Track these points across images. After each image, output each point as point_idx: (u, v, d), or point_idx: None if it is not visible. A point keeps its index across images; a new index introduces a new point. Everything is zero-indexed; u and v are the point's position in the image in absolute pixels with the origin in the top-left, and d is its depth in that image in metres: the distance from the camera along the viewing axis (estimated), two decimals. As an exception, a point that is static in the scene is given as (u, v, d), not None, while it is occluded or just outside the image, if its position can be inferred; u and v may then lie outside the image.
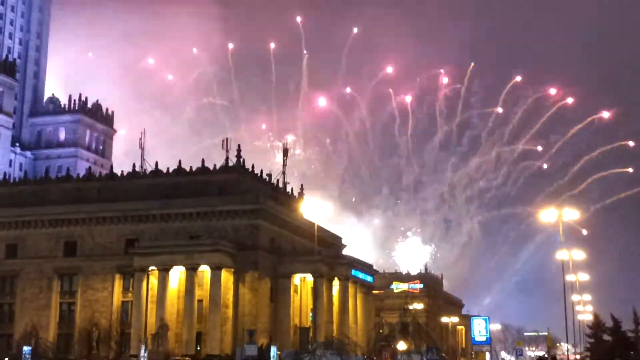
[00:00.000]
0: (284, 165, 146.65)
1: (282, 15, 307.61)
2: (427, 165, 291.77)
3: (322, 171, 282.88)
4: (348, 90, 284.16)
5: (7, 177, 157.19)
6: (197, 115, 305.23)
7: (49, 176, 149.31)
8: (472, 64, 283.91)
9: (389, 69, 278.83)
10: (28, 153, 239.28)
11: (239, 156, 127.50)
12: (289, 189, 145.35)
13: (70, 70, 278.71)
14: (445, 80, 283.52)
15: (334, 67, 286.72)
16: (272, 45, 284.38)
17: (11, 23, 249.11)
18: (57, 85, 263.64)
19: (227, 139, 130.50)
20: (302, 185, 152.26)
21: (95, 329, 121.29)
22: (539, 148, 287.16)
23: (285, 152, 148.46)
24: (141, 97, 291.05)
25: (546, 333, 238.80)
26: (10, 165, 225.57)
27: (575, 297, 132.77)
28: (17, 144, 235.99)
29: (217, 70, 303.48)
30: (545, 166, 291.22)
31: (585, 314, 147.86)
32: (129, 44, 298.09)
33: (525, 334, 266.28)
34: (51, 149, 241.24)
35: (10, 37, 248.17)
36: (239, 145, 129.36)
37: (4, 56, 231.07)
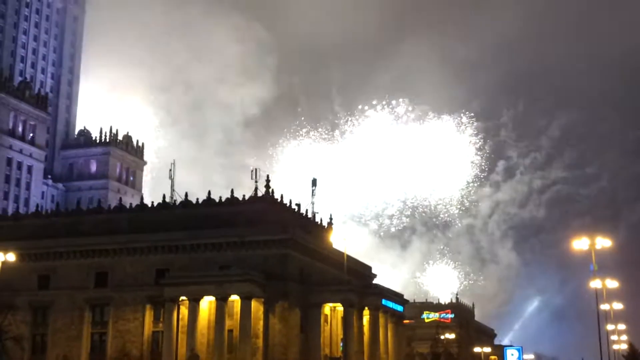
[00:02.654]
0: (313, 195, 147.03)
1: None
2: (458, 197, 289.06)
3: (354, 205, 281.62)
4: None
5: (39, 208, 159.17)
6: (227, 142, 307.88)
7: (81, 208, 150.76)
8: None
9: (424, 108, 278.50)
10: (60, 185, 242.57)
11: (267, 186, 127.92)
12: (318, 219, 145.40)
13: (102, 101, 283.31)
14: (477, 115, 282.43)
15: (369, 103, 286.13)
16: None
17: (44, 58, 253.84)
18: (88, 117, 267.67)
19: (256, 170, 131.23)
20: (331, 215, 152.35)
21: (126, 359, 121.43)
22: (573, 175, 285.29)
23: (314, 181, 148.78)
24: (173, 123, 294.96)
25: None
26: (42, 197, 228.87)
27: (609, 327, 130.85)
28: (50, 176, 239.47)
29: (252, 97, 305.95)
30: (579, 193, 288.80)
31: (620, 343, 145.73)
32: (164, 68, 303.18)
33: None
34: (82, 180, 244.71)
35: (42, 72, 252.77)
36: (267, 176, 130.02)
37: (36, 90, 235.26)
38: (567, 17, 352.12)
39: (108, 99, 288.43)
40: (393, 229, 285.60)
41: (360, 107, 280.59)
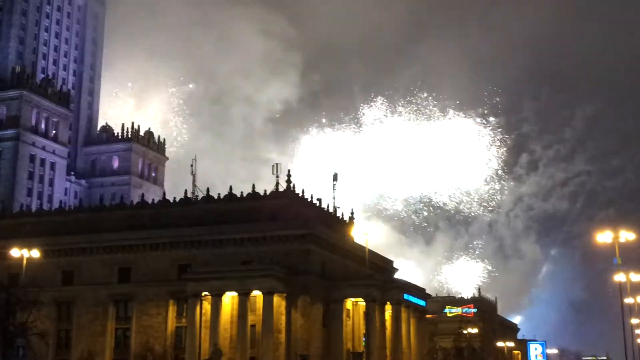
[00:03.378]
0: (334, 190, 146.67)
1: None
2: (481, 191, 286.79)
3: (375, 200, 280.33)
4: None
5: (62, 205, 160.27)
6: (249, 136, 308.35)
7: (103, 204, 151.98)
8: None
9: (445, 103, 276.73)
10: (83, 181, 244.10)
11: (289, 181, 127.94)
12: (339, 214, 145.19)
13: (123, 97, 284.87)
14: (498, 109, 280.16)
15: (391, 99, 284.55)
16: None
17: (65, 55, 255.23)
18: (110, 113, 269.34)
19: (277, 165, 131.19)
20: (352, 209, 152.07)
21: (150, 354, 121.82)
22: (597, 167, 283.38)
23: (335, 176, 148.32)
24: (195, 116, 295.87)
25: (605, 357, 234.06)
26: (65, 194, 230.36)
27: (634, 321, 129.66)
28: (72, 173, 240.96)
29: (275, 92, 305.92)
30: (604, 185, 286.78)
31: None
32: (186, 63, 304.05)
33: (584, 358, 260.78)
34: (105, 177, 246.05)
35: (64, 69, 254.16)
36: (288, 171, 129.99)
37: (58, 87, 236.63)
38: (591, 10, 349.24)
39: (130, 94, 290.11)
40: (416, 225, 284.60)
41: (381, 103, 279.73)
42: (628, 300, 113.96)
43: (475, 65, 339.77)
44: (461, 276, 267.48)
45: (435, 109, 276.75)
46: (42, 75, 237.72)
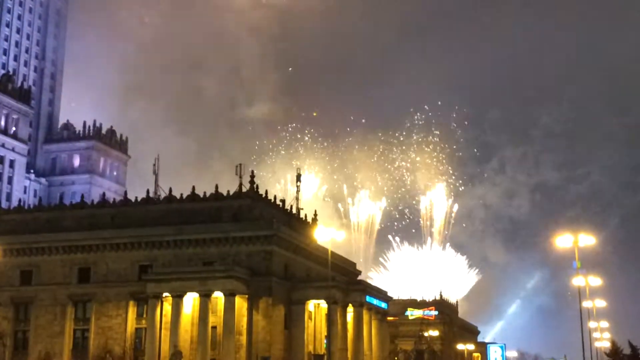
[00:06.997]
0: (298, 191, 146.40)
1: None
2: (447, 195, 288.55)
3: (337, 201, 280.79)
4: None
5: (21, 203, 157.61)
6: (214, 135, 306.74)
7: (64, 203, 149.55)
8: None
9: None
10: (43, 179, 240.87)
11: (252, 182, 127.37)
12: (302, 215, 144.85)
13: (86, 94, 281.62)
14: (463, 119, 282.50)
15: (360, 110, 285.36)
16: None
17: (26, 51, 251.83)
18: (72, 110, 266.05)
19: (240, 165, 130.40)
20: (315, 210, 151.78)
21: (109, 356, 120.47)
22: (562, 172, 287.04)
23: (298, 177, 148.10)
24: (158, 114, 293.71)
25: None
26: (25, 192, 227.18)
27: (592, 324, 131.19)
28: (32, 171, 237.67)
29: (245, 92, 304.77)
30: (569, 189, 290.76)
31: (602, 341, 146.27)
32: (149, 61, 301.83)
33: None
34: (65, 175, 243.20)
35: (25, 65, 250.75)
36: (252, 171, 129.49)
37: (19, 83, 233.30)
38: (554, 16, 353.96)
39: (92, 91, 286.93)
40: (387, 230, 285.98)
41: (353, 116, 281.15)
42: (586, 303, 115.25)
43: (443, 72, 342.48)
44: (425, 279, 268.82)
45: (404, 119, 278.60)
46: (3, 71, 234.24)
